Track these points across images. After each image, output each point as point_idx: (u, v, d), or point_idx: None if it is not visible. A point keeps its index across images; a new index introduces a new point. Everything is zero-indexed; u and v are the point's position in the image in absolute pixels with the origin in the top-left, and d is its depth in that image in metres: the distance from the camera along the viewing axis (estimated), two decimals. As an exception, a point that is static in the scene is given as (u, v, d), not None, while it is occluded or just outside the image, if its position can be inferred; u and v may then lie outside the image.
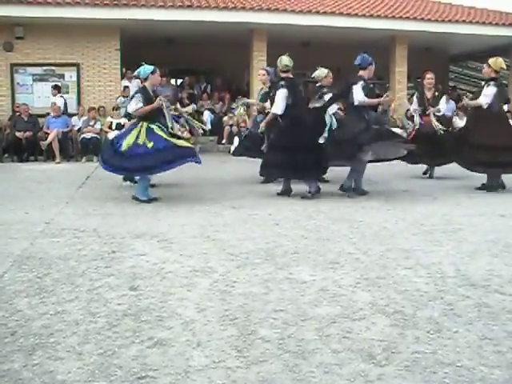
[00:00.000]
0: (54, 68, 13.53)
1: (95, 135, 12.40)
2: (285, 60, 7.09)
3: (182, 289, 3.49)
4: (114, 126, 12.47)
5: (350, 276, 3.75)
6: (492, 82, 7.46)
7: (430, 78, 8.80)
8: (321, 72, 8.33)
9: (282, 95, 6.94)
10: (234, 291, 3.44)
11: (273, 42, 13.78)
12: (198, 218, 5.68)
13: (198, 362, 2.51)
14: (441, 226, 5.29)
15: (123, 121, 12.52)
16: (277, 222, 5.46)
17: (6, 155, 12.34)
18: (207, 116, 14.54)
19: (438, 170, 9.20)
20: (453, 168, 8.73)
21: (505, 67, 7.69)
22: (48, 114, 12.61)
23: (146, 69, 6.81)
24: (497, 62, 7.52)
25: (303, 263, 4.05)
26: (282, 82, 7.04)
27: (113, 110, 12.80)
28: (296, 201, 6.77)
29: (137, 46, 13.86)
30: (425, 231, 5.09)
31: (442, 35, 15.36)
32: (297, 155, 6.83)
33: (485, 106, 7.38)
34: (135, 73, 7.13)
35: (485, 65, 7.70)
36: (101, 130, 12.53)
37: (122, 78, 14.12)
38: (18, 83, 13.40)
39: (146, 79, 6.81)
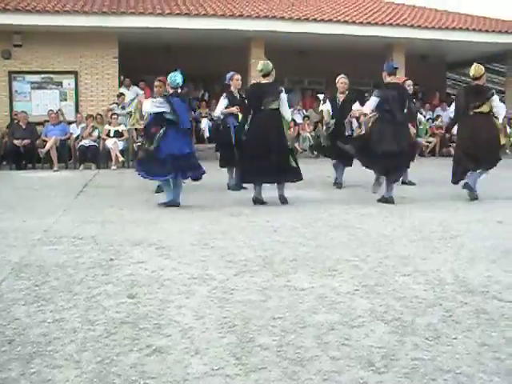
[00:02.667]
0: (52, 76, 13.55)
1: (93, 143, 12.40)
2: (259, 65, 7.19)
3: (181, 296, 3.48)
4: (112, 134, 12.49)
5: (349, 283, 3.74)
6: None
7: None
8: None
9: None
10: (233, 298, 3.44)
11: (270, 50, 13.82)
12: (196, 226, 5.68)
13: (196, 370, 2.50)
14: (439, 233, 5.29)
15: (121, 128, 12.55)
16: (275, 229, 5.46)
17: (4, 163, 12.33)
18: (205, 123, 14.56)
19: (436, 176, 9.22)
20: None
21: (476, 73, 7.42)
22: (46, 121, 12.61)
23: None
24: (471, 69, 7.54)
25: (301, 270, 4.05)
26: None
27: (110, 117, 12.81)
28: (294, 208, 6.77)
29: (135, 54, 13.89)
30: (423, 238, 5.09)
31: (439, 42, 15.43)
32: (269, 160, 6.78)
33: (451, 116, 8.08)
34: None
35: None
36: (99, 137, 12.53)
37: (120, 85, 14.13)
38: (16, 91, 13.41)
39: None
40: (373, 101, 7.27)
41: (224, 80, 8.56)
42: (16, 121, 12.67)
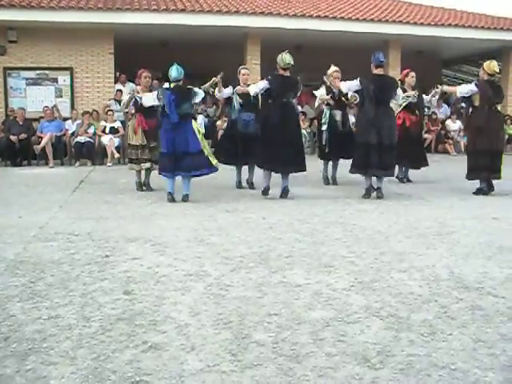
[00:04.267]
0: (47, 72, 13.49)
1: (89, 139, 12.36)
2: (288, 58, 7.24)
3: (176, 293, 3.48)
4: (107, 130, 12.46)
5: (345, 279, 3.75)
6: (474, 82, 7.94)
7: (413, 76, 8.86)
8: (329, 70, 8.43)
9: (262, 84, 7.37)
10: (228, 295, 3.44)
11: (267, 46, 13.80)
12: (191, 222, 5.68)
13: (192, 366, 2.50)
14: (434, 229, 5.30)
15: (117, 125, 12.52)
16: (271, 226, 5.46)
17: (0, 159, 12.29)
18: (201, 120, 14.53)
19: (432, 173, 9.24)
20: (445, 171, 8.77)
21: (498, 70, 7.78)
22: (41, 117, 12.56)
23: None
24: (490, 65, 7.66)
25: (297, 267, 4.05)
26: (269, 76, 7.41)
27: (106, 113, 12.78)
28: (290, 204, 6.77)
29: (130, 50, 13.84)
30: (418, 234, 5.10)
31: (435, 39, 15.43)
32: (288, 150, 7.07)
33: (458, 95, 8.06)
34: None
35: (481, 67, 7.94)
36: (94, 133, 12.49)
37: (116, 81, 14.09)
38: (11, 87, 13.34)
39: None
40: (354, 84, 7.42)
41: (226, 75, 8.24)
42: (12, 117, 12.61)
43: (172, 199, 6.97)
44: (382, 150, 7.05)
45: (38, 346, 2.71)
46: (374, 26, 14.63)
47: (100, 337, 2.81)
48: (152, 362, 2.55)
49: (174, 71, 7.06)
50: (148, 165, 7.88)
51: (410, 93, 8.59)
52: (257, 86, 7.48)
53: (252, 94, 7.56)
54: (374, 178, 7.33)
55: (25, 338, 2.80)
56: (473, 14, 16.99)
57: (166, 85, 7.35)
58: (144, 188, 8.03)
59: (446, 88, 8.17)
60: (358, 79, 7.33)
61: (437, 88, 8.33)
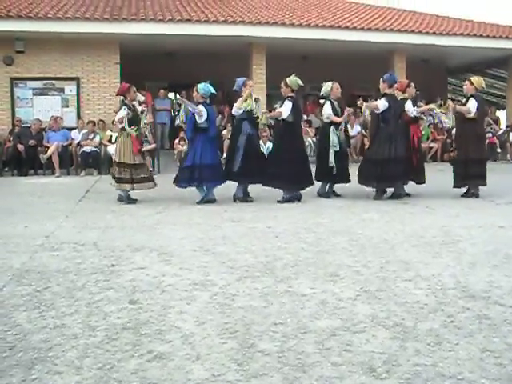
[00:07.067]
0: (54, 82, 13.57)
1: (95, 149, 12.41)
2: (299, 80, 7.69)
3: (182, 302, 3.48)
4: (113, 140, 12.49)
5: (350, 289, 3.74)
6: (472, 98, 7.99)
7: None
8: (326, 86, 8.29)
9: (289, 106, 7.61)
10: (234, 304, 3.43)
11: (272, 56, 13.88)
12: (197, 231, 5.68)
13: (197, 376, 2.50)
14: (440, 238, 5.29)
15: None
16: (276, 235, 5.46)
17: (6, 169, 12.34)
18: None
19: (437, 182, 9.23)
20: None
21: (484, 86, 8.28)
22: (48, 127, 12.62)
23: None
24: (479, 81, 8.01)
25: (303, 276, 4.04)
26: (289, 98, 7.69)
27: (112, 123, 12.83)
28: (295, 213, 6.77)
29: (136, 60, 13.93)
30: (424, 243, 5.09)
31: (440, 48, 15.45)
32: (300, 166, 7.62)
33: (467, 115, 7.90)
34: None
35: (466, 81, 8.14)
36: (100, 143, 12.54)
37: (122, 91, 14.15)
38: (18, 97, 13.43)
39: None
40: (382, 104, 7.77)
41: (232, 86, 7.94)
42: (18, 127, 12.68)
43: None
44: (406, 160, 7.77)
45: (44, 355, 2.72)
46: (380, 35, 14.64)
47: (105, 346, 2.81)
48: (157, 371, 2.54)
49: (212, 88, 7.49)
50: (137, 186, 7.82)
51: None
52: (287, 109, 7.65)
53: (284, 117, 7.66)
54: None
55: (31, 347, 2.81)
56: (478, 23, 17.01)
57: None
58: (129, 200, 7.90)
59: (458, 108, 8.09)
60: (385, 99, 7.74)
61: (450, 104, 8.31)
